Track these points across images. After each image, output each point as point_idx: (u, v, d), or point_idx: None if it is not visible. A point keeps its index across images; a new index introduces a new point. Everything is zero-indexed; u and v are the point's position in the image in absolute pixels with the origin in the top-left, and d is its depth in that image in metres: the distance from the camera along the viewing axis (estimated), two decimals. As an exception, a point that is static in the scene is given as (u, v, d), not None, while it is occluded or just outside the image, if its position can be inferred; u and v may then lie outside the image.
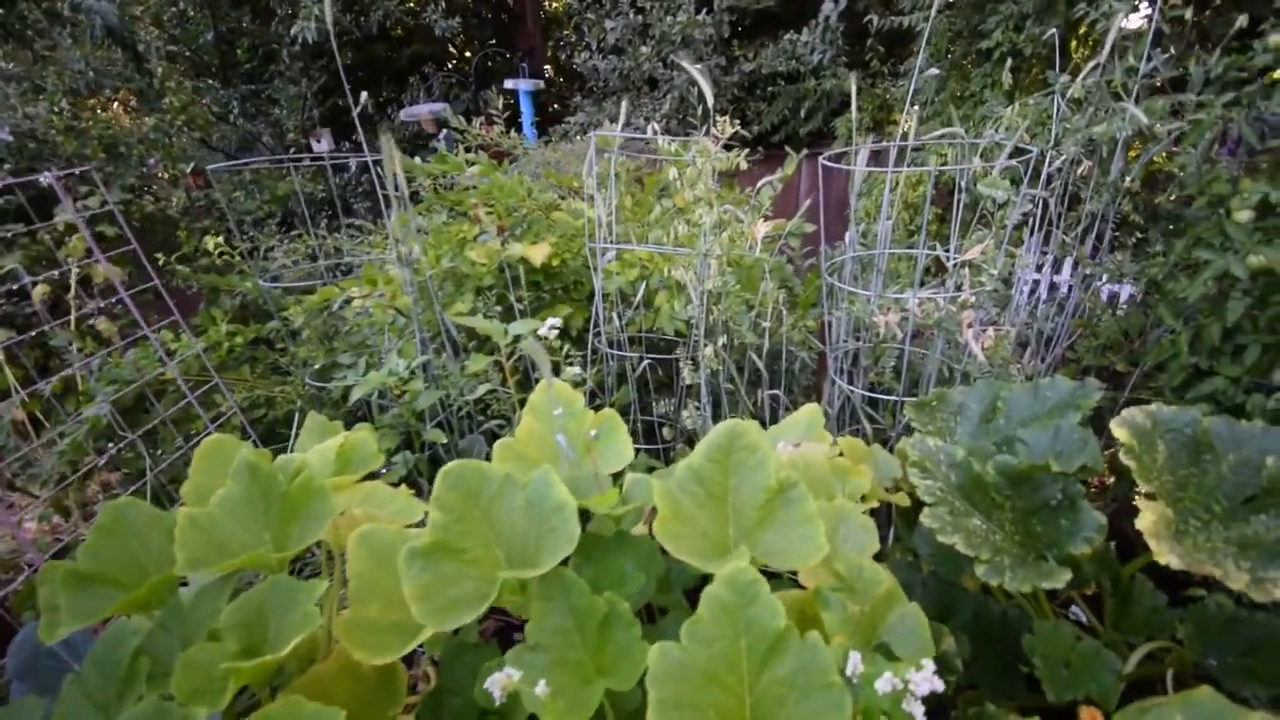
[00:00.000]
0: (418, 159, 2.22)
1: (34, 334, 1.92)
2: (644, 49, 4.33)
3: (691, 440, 1.83)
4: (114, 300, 1.92)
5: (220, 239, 2.45)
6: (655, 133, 1.72)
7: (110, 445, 1.95)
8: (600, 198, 1.62)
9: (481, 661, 1.06)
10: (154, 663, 0.93)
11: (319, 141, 6.66)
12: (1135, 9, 1.61)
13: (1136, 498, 0.94)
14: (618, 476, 1.27)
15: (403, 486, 1.29)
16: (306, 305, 1.81)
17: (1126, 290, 1.98)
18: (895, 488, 1.36)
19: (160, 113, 3.89)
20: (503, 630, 1.40)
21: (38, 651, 1.16)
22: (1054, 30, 2.04)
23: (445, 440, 1.77)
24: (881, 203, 1.78)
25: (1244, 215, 1.27)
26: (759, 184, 2.01)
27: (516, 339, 1.41)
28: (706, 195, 1.55)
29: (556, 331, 1.28)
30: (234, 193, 4.07)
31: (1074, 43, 3.21)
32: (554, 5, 9.88)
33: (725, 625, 0.73)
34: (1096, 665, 0.91)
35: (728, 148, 1.69)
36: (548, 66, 7.90)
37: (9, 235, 2.20)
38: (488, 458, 1.87)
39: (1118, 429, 1.00)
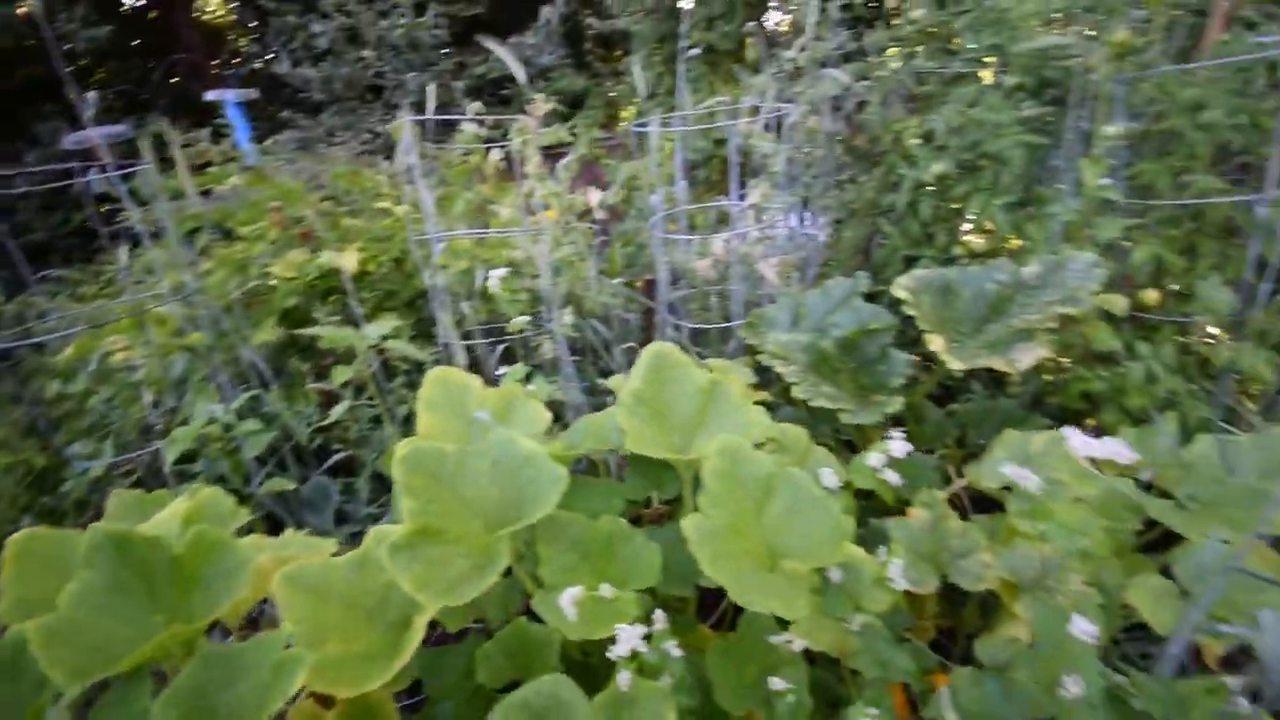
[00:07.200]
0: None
1: None
2: (365, 53, 4.05)
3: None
4: None
5: None
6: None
7: None
8: (425, 185, 1.57)
9: (457, 660, 1.03)
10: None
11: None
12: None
13: (923, 336, 1.32)
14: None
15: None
16: (65, 360, 1.39)
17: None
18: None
19: None
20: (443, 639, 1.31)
21: None
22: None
23: (291, 486, 1.54)
24: (673, 168, 2.05)
25: (914, 143, 1.80)
26: (560, 164, 2.13)
27: (382, 339, 1.32)
28: (538, 172, 1.62)
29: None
30: None
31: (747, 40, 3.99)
32: (210, 15, 8.66)
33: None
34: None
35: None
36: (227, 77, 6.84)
37: None
38: (338, 508, 1.67)
39: (897, 290, 1.38)
